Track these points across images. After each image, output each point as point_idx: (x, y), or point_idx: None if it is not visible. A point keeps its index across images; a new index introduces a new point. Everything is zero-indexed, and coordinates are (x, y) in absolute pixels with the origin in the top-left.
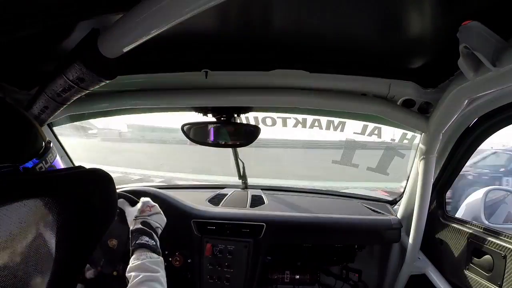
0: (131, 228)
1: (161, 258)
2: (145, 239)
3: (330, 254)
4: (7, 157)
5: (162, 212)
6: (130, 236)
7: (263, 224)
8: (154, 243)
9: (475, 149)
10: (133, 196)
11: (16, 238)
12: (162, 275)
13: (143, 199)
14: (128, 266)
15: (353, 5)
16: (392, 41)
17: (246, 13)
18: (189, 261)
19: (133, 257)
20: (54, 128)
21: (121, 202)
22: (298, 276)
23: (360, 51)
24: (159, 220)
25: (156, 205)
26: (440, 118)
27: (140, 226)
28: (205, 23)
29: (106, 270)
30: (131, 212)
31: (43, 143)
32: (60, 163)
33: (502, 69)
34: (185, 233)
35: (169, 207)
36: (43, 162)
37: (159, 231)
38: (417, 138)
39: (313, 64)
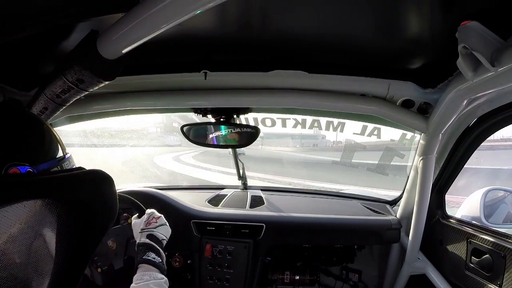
0: (137, 241)
1: (165, 279)
2: (151, 255)
3: (330, 254)
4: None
5: (167, 223)
6: (136, 249)
7: (263, 224)
8: (160, 260)
9: (475, 149)
10: (141, 204)
11: (16, 239)
12: None
13: (148, 211)
14: (131, 286)
15: (352, 6)
16: (391, 42)
17: (245, 14)
18: (188, 261)
19: (136, 275)
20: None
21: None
22: (298, 277)
23: (359, 52)
24: (165, 232)
25: (162, 216)
26: (440, 118)
27: (147, 240)
28: (204, 25)
29: (102, 265)
30: (137, 224)
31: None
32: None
33: (501, 69)
34: (185, 233)
35: (168, 208)
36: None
37: (164, 243)
38: (417, 139)
39: (312, 64)
